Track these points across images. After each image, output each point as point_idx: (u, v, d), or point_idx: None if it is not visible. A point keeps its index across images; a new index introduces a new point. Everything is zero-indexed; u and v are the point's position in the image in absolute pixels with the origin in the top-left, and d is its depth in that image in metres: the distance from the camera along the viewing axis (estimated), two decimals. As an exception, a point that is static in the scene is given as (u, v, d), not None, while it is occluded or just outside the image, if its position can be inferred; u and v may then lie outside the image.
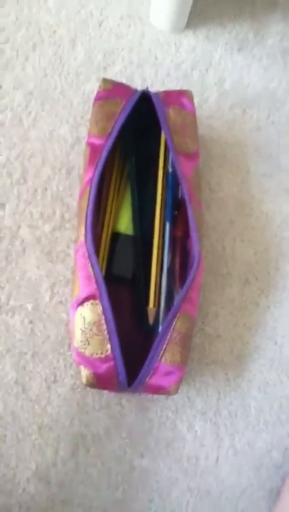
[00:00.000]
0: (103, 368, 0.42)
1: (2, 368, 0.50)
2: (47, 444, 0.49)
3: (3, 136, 0.57)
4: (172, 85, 0.63)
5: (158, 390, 0.44)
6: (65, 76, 0.61)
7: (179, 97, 0.53)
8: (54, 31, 0.63)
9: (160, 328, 0.45)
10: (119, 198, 0.53)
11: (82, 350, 0.43)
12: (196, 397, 0.52)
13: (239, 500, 0.51)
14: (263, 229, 0.59)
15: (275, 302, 0.56)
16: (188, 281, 0.45)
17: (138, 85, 0.62)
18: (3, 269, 0.52)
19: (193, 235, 0.47)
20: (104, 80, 0.53)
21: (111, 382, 0.43)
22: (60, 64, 0.62)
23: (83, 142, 0.58)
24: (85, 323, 0.43)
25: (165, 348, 0.43)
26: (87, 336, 0.42)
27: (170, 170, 0.53)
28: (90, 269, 0.43)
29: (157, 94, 0.52)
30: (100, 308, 0.42)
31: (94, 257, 0.44)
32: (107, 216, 0.52)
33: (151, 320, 0.48)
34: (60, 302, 0.52)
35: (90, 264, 0.44)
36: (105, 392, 0.51)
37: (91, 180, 0.47)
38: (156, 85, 0.63)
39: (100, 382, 0.43)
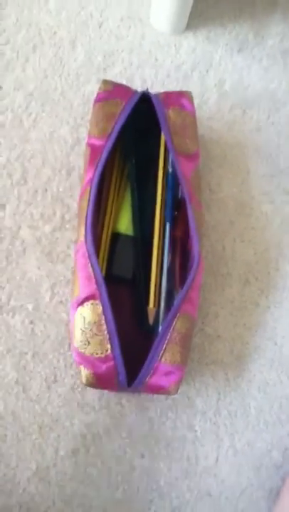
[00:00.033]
0: (103, 367, 0.42)
1: (3, 368, 0.50)
2: (47, 443, 0.49)
3: (4, 137, 0.58)
4: (172, 86, 0.63)
5: (158, 389, 0.45)
6: (65, 77, 0.62)
7: (179, 98, 0.53)
8: (54, 33, 0.64)
9: (160, 328, 0.45)
10: (120, 199, 0.53)
11: (82, 350, 0.43)
12: (196, 397, 0.52)
13: (239, 500, 0.51)
14: (263, 229, 0.59)
15: (275, 302, 0.56)
16: (188, 281, 0.45)
17: (138, 86, 0.62)
18: (4, 270, 0.53)
19: (193, 235, 0.47)
20: (105, 81, 0.53)
21: (111, 382, 0.43)
22: (60, 65, 0.62)
23: (83, 143, 0.58)
24: (85, 323, 0.43)
25: (165, 348, 0.43)
26: (87, 335, 0.42)
27: (170, 170, 0.53)
28: (90, 269, 0.44)
29: (157, 95, 0.53)
30: (100, 308, 0.43)
31: (94, 257, 0.44)
32: (108, 216, 0.52)
33: (151, 320, 0.48)
34: (61, 302, 0.52)
35: (90, 265, 0.44)
36: (105, 392, 0.51)
37: (91, 180, 0.47)
38: (156, 86, 0.63)
39: (99, 382, 0.43)
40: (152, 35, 0.65)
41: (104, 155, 0.48)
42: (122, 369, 0.42)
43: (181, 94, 0.53)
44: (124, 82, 0.62)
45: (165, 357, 0.43)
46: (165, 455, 0.50)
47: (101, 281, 0.43)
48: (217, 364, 0.53)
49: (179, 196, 0.53)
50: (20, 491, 0.48)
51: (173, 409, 0.52)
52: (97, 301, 0.43)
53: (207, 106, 0.63)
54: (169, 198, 0.52)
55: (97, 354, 0.42)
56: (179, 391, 0.49)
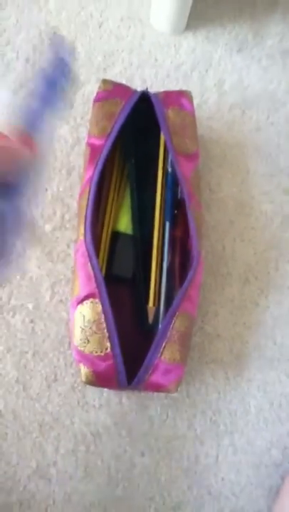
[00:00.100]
0: (103, 366, 0.43)
1: (3, 367, 0.50)
2: (47, 442, 0.49)
3: None
4: (172, 86, 0.63)
5: (157, 388, 0.45)
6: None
7: (179, 98, 0.53)
8: (54, 33, 0.64)
9: (160, 327, 0.45)
10: (120, 198, 0.54)
11: (82, 349, 0.43)
12: (196, 395, 0.53)
13: (239, 498, 0.51)
14: (263, 229, 0.59)
15: (274, 302, 0.57)
16: (188, 279, 0.45)
17: (138, 86, 0.62)
18: (4, 269, 0.53)
19: (193, 234, 0.47)
20: (104, 81, 0.53)
21: (110, 380, 0.43)
22: (60, 65, 0.62)
23: (83, 143, 0.58)
24: (85, 321, 0.43)
25: (164, 347, 0.44)
26: (87, 334, 0.43)
27: (170, 170, 0.53)
28: (90, 268, 0.44)
29: (157, 94, 0.53)
30: (99, 306, 0.43)
31: (93, 256, 0.44)
32: (107, 216, 0.52)
33: (151, 319, 0.48)
34: (61, 301, 0.52)
35: (89, 263, 0.44)
36: (105, 390, 0.51)
37: (91, 179, 0.47)
38: (156, 86, 0.63)
39: (99, 380, 0.43)
40: (152, 35, 0.66)
41: (103, 154, 0.48)
42: (121, 367, 0.42)
43: (181, 94, 0.54)
44: (124, 82, 0.62)
45: (164, 355, 0.43)
46: (165, 453, 0.51)
47: (101, 279, 0.43)
48: (217, 363, 0.54)
49: (179, 196, 0.53)
50: (20, 489, 0.48)
51: (173, 408, 0.52)
52: (97, 300, 0.43)
53: (207, 106, 0.63)
54: (169, 197, 0.52)
55: (96, 352, 0.42)
56: (178, 389, 0.49)
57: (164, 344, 0.44)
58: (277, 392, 0.54)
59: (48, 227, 0.55)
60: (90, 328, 0.43)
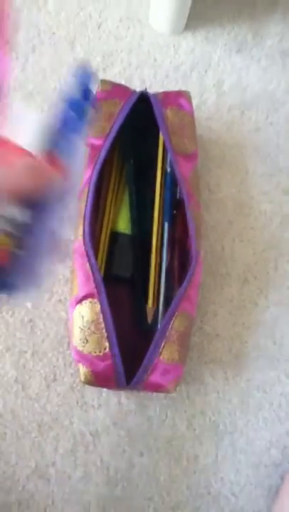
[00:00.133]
0: (101, 366, 0.43)
1: (2, 367, 0.50)
2: (46, 442, 0.49)
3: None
4: (171, 87, 0.63)
5: (156, 388, 0.45)
6: (64, 77, 0.62)
7: (177, 98, 0.53)
8: (53, 33, 0.64)
9: (159, 327, 0.45)
10: (118, 198, 0.54)
11: (81, 349, 0.43)
12: (195, 395, 0.53)
13: (238, 498, 0.51)
14: (262, 229, 0.59)
15: (273, 302, 0.57)
16: (187, 279, 0.45)
17: (137, 87, 0.62)
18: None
19: (192, 234, 0.47)
20: (103, 81, 0.53)
21: (109, 380, 0.43)
22: (59, 65, 0.62)
23: (83, 143, 0.58)
24: (84, 321, 0.43)
25: (163, 347, 0.44)
26: (86, 334, 0.43)
27: (168, 170, 0.53)
28: (89, 268, 0.44)
29: (155, 95, 0.53)
30: (98, 306, 0.43)
31: (92, 256, 0.44)
32: (106, 216, 0.52)
33: (149, 319, 0.48)
34: (60, 301, 0.52)
35: (88, 263, 0.44)
36: (104, 390, 0.51)
37: (90, 179, 0.48)
38: (155, 87, 0.63)
39: (98, 380, 0.44)
40: (151, 35, 0.66)
41: (102, 154, 0.49)
42: (120, 367, 0.42)
43: (180, 94, 0.54)
44: (123, 83, 0.62)
45: (163, 355, 0.44)
46: (164, 453, 0.51)
47: (99, 279, 0.44)
48: (216, 363, 0.54)
49: (178, 196, 0.53)
50: (19, 489, 0.48)
51: (172, 408, 0.52)
52: (96, 300, 0.43)
53: (206, 106, 0.63)
54: (168, 197, 0.52)
55: (95, 352, 0.43)
56: (177, 389, 0.49)
57: (162, 344, 0.44)
58: (277, 392, 0.54)
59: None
60: (89, 328, 0.43)
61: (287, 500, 0.49)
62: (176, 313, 0.44)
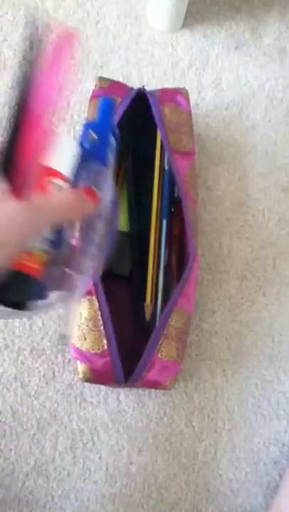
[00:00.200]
0: (100, 363, 0.43)
1: (1, 364, 0.50)
2: (45, 439, 0.49)
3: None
4: (169, 84, 0.63)
5: (155, 385, 0.45)
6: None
7: (175, 95, 0.53)
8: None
9: (157, 324, 0.45)
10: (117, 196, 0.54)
11: (79, 346, 0.43)
12: (194, 392, 0.53)
13: (237, 495, 0.51)
14: (260, 227, 0.59)
15: (271, 299, 0.57)
16: (184, 276, 0.46)
17: (135, 84, 0.62)
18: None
19: (189, 231, 0.47)
20: (100, 79, 0.53)
21: (108, 377, 0.43)
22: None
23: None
24: (82, 318, 0.43)
25: (161, 344, 0.44)
26: (84, 331, 0.43)
27: (166, 168, 0.53)
28: (87, 265, 0.44)
29: (153, 92, 0.53)
30: (96, 304, 0.43)
31: (90, 254, 0.44)
32: (105, 214, 0.52)
33: (148, 316, 0.48)
34: (58, 299, 0.52)
35: (86, 261, 0.44)
36: (103, 387, 0.51)
37: (88, 177, 0.47)
38: (153, 84, 0.63)
39: (96, 377, 0.44)
40: (149, 32, 0.66)
41: (100, 152, 0.48)
42: (118, 364, 0.43)
43: (177, 92, 0.54)
44: (121, 80, 0.62)
45: (161, 352, 0.44)
46: (163, 450, 0.51)
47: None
48: (214, 360, 0.54)
49: (176, 194, 0.53)
50: (19, 485, 0.48)
51: (170, 405, 0.52)
52: (94, 297, 0.43)
53: (204, 103, 0.63)
54: (166, 195, 0.52)
55: (93, 349, 0.43)
56: (176, 386, 0.49)
57: (160, 341, 0.44)
58: (275, 390, 0.54)
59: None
60: (87, 325, 0.43)
61: (286, 498, 0.49)
62: (174, 310, 0.44)
